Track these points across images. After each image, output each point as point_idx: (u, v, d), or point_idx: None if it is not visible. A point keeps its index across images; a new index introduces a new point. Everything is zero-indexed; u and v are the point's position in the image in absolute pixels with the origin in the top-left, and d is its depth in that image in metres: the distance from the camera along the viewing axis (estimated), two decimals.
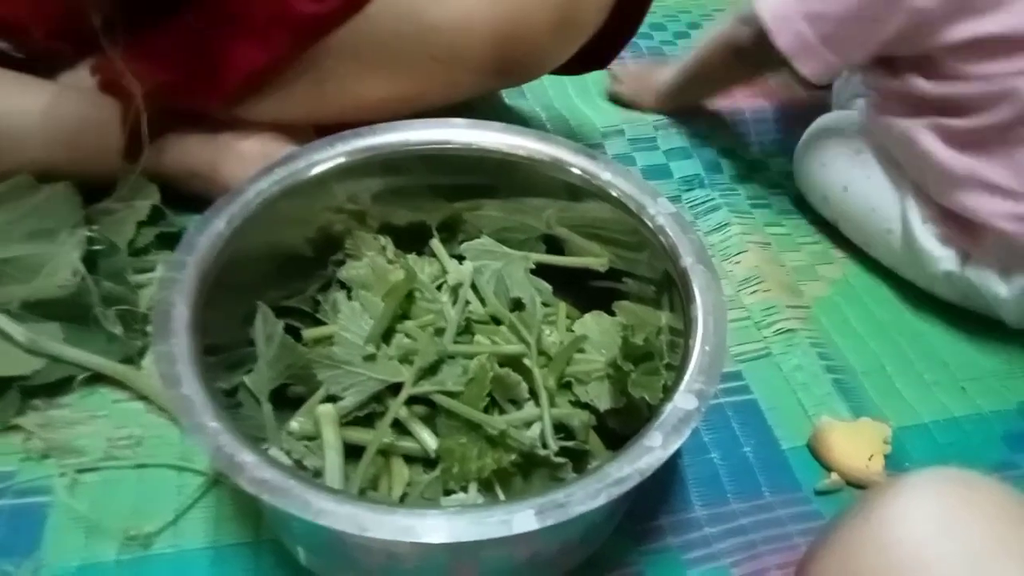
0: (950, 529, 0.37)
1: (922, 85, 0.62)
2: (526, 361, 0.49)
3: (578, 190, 0.53)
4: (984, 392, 0.63)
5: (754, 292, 0.68)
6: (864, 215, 0.69)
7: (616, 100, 0.86)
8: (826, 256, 0.73)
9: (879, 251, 0.70)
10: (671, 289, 0.49)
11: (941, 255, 0.65)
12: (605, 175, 0.52)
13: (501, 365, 0.48)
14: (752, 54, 0.69)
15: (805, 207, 0.77)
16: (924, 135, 0.62)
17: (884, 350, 0.65)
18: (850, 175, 0.70)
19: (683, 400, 0.40)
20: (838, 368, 0.63)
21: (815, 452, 0.57)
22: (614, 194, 0.52)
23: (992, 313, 0.65)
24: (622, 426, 0.51)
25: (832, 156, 0.71)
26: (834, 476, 0.55)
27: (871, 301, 0.69)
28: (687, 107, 0.84)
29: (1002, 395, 0.63)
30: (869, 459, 0.56)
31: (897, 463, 0.57)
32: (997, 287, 0.63)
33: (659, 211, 0.50)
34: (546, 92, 0.87)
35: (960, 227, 0.63)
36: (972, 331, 0.67)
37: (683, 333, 0.46)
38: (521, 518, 0.36)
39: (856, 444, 0.56)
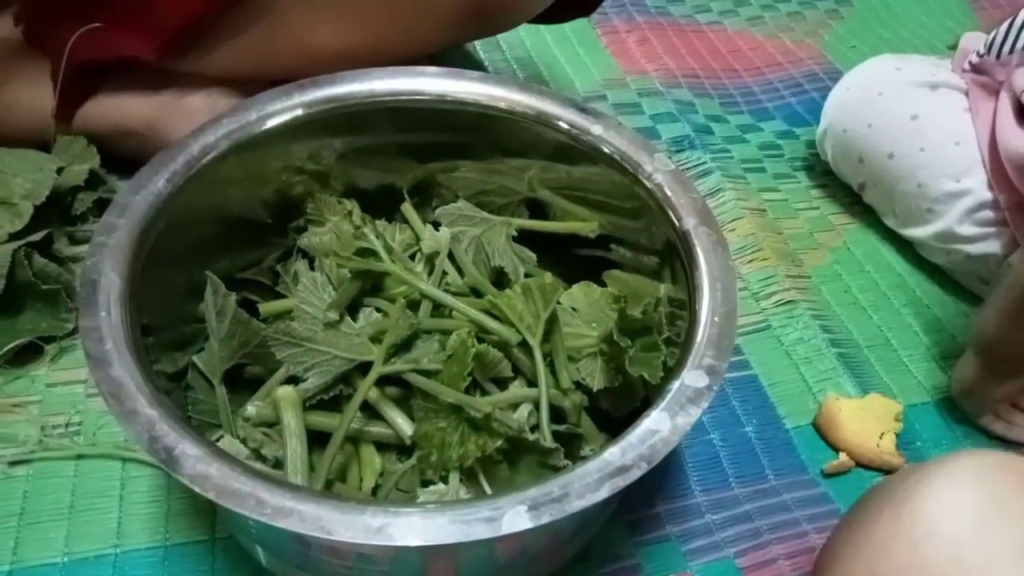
0: (994, 519, 0.33)
1: None
2: (514, 336, 0.44)
3: (565, 147, 0.49)
4: None
5: (751, 261, 0.63)
6: (906, 186, 0.63)
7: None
8: (824, 223, 0.69)
9: (907, 225, 0.64)
10: (671, 256, 0.45)
11: (987, 238, 0.60)
12: (595, 129, 0.47)
13: (480, 340, 0.43)
14: None
15: (801, 171, 0.73)
16: None
17: (887, 322, 0.61)
18: (899, 143, 0.63)
19: (692, 377, 0.36)
20: (842, 341, 0.59)
21: (821, 431, 0.53)
22: (606, 151, 0.47)
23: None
24: (615, 407, 0.46)
25: (884, 120, 0.64)
26: (843, 456, 0.51)
27: (872, 270, 0.65)
28: None
29: None
30: (880, 438, 0.52)
31: (907, 442, 0.53)
32: None
33: (656, 168, 0.46)
34: (523, 45, 0.81)
35: None
36: (976, 303, 0.63)
37: (686, 304, 0.41)
38: (512, 516, 0.31)
39: (866, 422, 0.52)
